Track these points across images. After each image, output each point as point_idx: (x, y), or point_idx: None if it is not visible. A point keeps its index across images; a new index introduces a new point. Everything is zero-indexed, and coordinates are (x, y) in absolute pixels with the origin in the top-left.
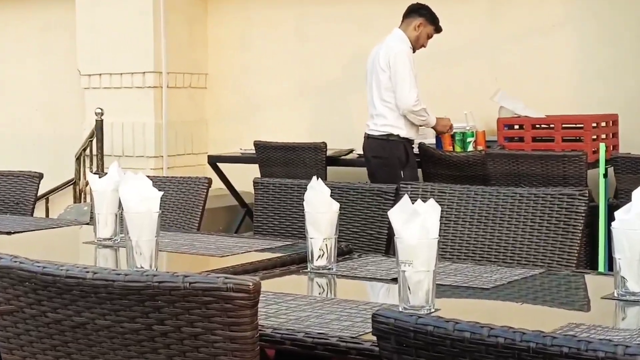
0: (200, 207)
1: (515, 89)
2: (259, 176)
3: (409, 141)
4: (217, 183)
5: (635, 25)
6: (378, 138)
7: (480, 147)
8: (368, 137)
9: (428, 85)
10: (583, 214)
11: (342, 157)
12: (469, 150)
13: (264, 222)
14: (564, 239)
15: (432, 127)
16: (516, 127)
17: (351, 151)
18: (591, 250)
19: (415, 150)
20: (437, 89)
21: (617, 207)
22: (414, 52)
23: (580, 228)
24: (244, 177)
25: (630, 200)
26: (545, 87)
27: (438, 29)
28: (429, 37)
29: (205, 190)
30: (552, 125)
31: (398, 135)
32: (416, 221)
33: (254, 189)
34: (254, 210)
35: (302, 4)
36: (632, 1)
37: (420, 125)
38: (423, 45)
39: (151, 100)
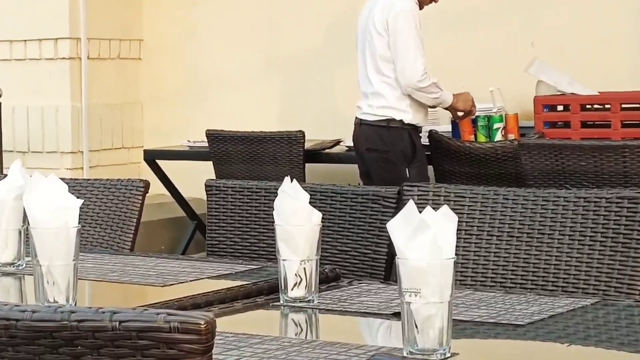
0: (135, 220)
1: (558, 57)
2: (213, 177)
3: (416, 129)
4: (156, 187)
5: None
6: (375, 125)
7: (511, 136)
8: (361, 124)
9: (439, 54)
10: None
11: (326, 151)
12: (496, 139)
13: (221, 239)
14: (624, 258)
15: (447, 108)
16: (560, 108)
17: (338, 142)
18: None
19: (425, 140)
20: (451, 58)
21: None
22: (420, 8)
23: None
24: (193, 178)
25: None
26: (598, 55)
27: None
28: None
29: (141, 197)
30: (607, 106)
31: (401, 121)
32: (425, 236)
33: (207, 194)
34: (206, 223)
35: None
36: None
37: (432, 106)
38: (434, 0)
39: (66, 76)
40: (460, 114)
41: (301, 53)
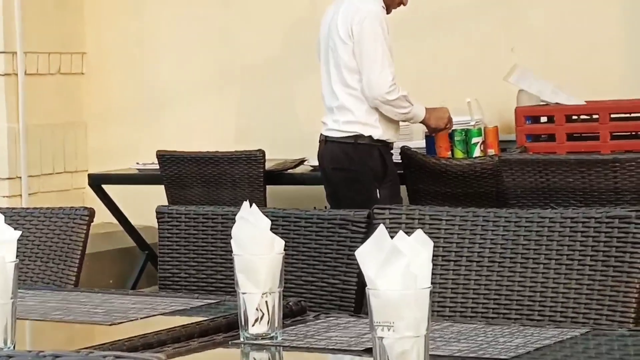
0: (79, 252)
1: (541, 64)
2: (165, 203)
3: (387, 145)
4: (103, 215)
5: None
6: (341, 142)
7: (491, 151)
8: (326, 141)
9: (410, 63)
10: None
11: (288, 171)
12: (474, 155)
13: (174, 272)
14: (616, 283)
15: (421, 123)
16: (543, 119)
17: (302, 162)
18: None
19: (397, 157)
20: (424, 67)
21: None
22: (388, 12)
23: None
24: (144, 204)
25: None
26: (585, 61)
27: None
28: None
29: (86, 227)
30: (595, 116)
31: (370, 137)
32: (398, 264)
33: (158, 222)
34: (158, 253)
35: None
36: None
37: (402, 121)
38: (402, 2)
39: (1, 94)
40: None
41: (259, 64)
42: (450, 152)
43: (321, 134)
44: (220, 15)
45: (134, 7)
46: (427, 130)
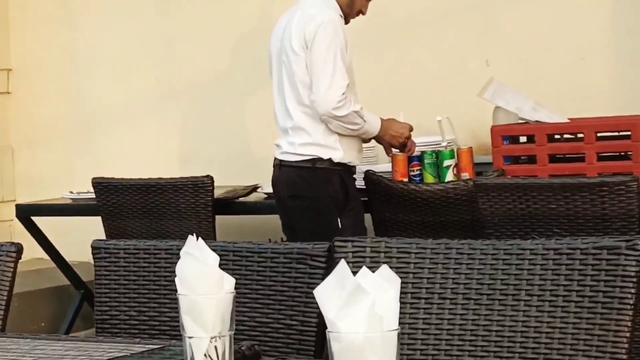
0: (6, 293)
1: (519, 78)
2: (102, 237)
3: (349, 169)
4: (32, 250)
5: None
6: (298, 166)
7: (465, 175)
8: (281, 166)
9: (376, 77)
10: (634, 279)
11: (240, 200)
12: (447, 180)
13: (113, 313)
14: (605, 320)
15: (376, 140)
16: (522, 139)
17: (255, 189)
18: None
19: (360, 183)
20: (391, 82)
21: None
22: (346, 22)
23: (631, 301)
24: (79, 238)
25: None
26: (567, 75)
27: None
28: None
29: (13, 264)
30: (580, 135)
31: (330, 160)
32: (362, 304)
33: (94, 257)
34: (95, 293)
35: None
36: None
37: (358, 136)
38: (361, 11)
39: None
40: (395, 150)
41: (205, 79)
42: (407, 178)
43: (275, 158)
44: (160, 25)
45: (64, 18)
46: (384, 149)
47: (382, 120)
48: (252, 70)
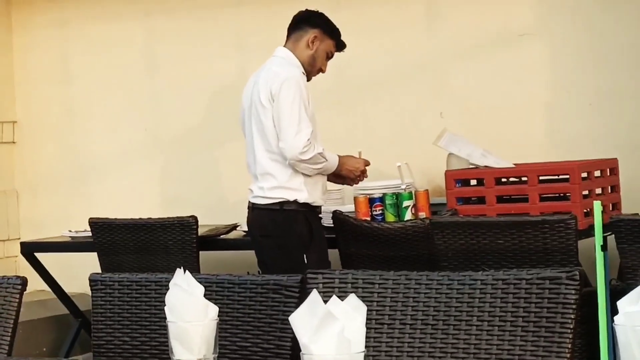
0: (12, 321)
1: (469, 128)
2: (98, 270)
3: (314, 209)
4: (36, 283)
5: (637, 36)
6: (268, 208)
7: (422, 214)
8: (253, 208)
9: (340, 127)
10: (574, 305)
11: (221, 237)
12: (406, 219)
13: (108, 339)
14: (548, 343)
15: (333, 176)
16: (473, 182)
17: (234, 227)
18: (589, 355)
19: (328, 221)
20: (354, 132)
21: (623, 292)
22: (308, 79)
23: (571, 326)
24: (77, 272)
25: (639, 283)
26: (512, 124)
27: (340, 45)
28: (329, 56)
29: (18, 296)
30: (524, 179)
31: (296, 202)
32: (332, 329)
33: (92, 289)
34: (92, 321)
35: (149, 15)
36: (634, 3)
37: (323, 183)
38: (321, 70)
39: None
40: (354, 184)
41: (188, 130)
42: (369, 217)
43: (249, 201)
44: (148, 83)
45: (63, 76)
46: (340, 183)
47: (339, 156)
48: (229, 122)
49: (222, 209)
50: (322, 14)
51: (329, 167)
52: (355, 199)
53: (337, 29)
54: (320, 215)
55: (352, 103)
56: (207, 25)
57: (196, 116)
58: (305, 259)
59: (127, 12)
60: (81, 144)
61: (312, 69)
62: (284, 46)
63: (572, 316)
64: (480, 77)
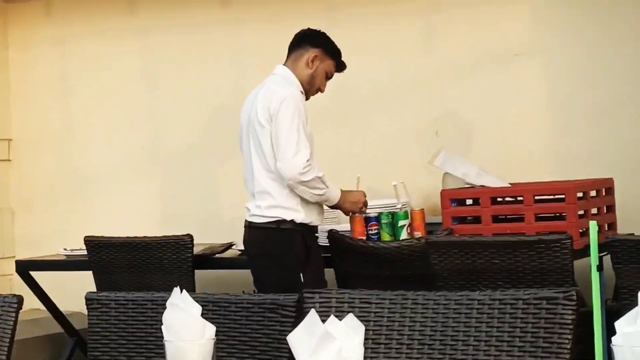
0: (8, 340)
1: (465, 147)
2: (94, 289)
3: (310, 229)
4: (31, 301)
5: (633, 54)
6: (264, 227)
7: (418, 234)
8: (249, 226)
9: (336, 146)
10: (570, 325)
11: (217, 256)
12: (402, 238)
13: (104, 358)
14: None
15: (335, 207)
16: (469, 202)
17: (230, 246)
18: None
19: (324, 240)
20: (349, 150)
21: (619, 312)
22: (307, 98)
23: (568, 346)
24: (72, 291)
25: (637, 304)
26: (508, 144)
27: (340, 66)
28: (328, 76)
29: (14, 314)
30: (520, 198)
31: (292, 221)
32: (330, 349)
33: (87, 308)
34: (88, 340)
35: (147, 32)
36: (629, 22)
37: (319, 202)
38: (320, 89)
39: None
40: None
41: (185, 148)
42: (365, 237)
43: (245, 220)
44: (146, 99)
45: (61, 93)
46: (344, 213)
47: (341, 190)
48: (227, 140)
49: (218, 226)
50: (323, 34)
51: (331, 197)
52: (351, 218)
53: (338, 50)
54: (316, 234)
55: (348, 121)
56: (205, 43)
57: (193, 133)
58: (302, 278)
59: (125, 29)
60: (77, 162)
61: (310, 88)
62: (284, 64)
63: (569, 336)
64: (477, 96)
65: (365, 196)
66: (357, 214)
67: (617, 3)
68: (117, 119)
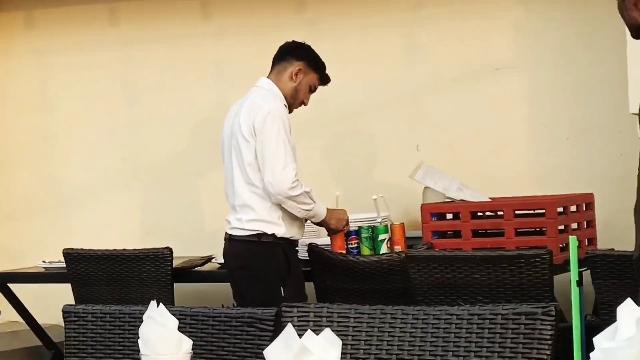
0: None
1: (446, 161)
2: (72, 302)
3: (291, 242)
4: (9, 314)
5: (614, 71)
6: (245, 240)
7: (398, 248)
8: (230, 239)
9: (316, 160)
10: (549, 341)
11: (196, 269)
12: (381, 252)
13: None
14: None
15: (320, 224)
16: (449, 216)
17: (209, 259)
18: None
19: (304, 254)
20: (329, 165)
21: (599, 328)
22: (290, 111)
23: None
24: (50, 303)
25: (615, 319)
26: (489, 159)
27: (324, 79)
28: (312, 90)
29: None
30: (500, 213)
31: (274, 235)
32: None
33: (65, 321)
34: (65, 353)
35: (128, 44)
36: (609, 38)
37: (305, 218)
38: (303, 102)
39: None
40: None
41: (166, 161)
42: (345, 251)
43: (226, 232)
44: (126, 112)
45: (41, 105)
46: (327, 231)
47: (326, 207)
48: (207, 153)
49: (199, 239)
50: (308, 46)
51: (318, 213)
52: (334, 237)
53: (323, 63)
54: (297, 248)
55: (328, 134)
56: (187, 55)
57: (174, 146)
58: (283, 292)
59: (107, 42)
60: (57, 174)
61: (294, 102)
62: (268, 77)
63: (548, 352)
64: (458, 110)
65: (346, 214)
66: (339, 233)
67: (598, 19)
68: (98, 131)
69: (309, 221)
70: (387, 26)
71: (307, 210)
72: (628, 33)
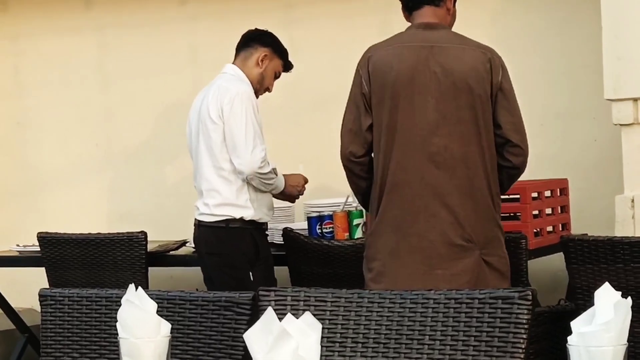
0: None
1: None
2: (46, 286)
3: (259, 226)
4: None
5: (588, 57)
6: (213, 226)
7: None
8: (199, 225)
9: (288, 143)
10: (526, 325)
11: (171, 253)
12: (357, 237)
13: (57, 355)
14: None
15: (280, 195)
16: None
17: (183, 243)
18: None
19: (279, 238)
20: (302, 147)
21: (573, 312)
22: (256, 97)
23: (523, 345)
24: (24, 287)
25: (592, 303)
26: None
27: (287, 66)
28: (277, 76)
29: None
30: None
31: (242, 219)
32: (287, 347)
33: (41, 304)
34: (40, 337)
35: (101, 29)
36: (586, 28)
37: (267, 192)
38: (268, 89)
39: None
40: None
41: (138, 145)
42: (348, 234)
43: (195, 218)
44: (100, 98)
45: (14, 89)
46: (284, 199)
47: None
48: (182, 138)
49: (172, 224)
50: (272, 34)
51: (279, 185)
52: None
53: (286, 50)
54: (267, 233)
55: (302, 119)
56: (161, 40)
57: (148, 131)
58: (251, 277)
59: (80, 26)
60: (32, 158)
61: (260, 87)
62: (233, 63)
63: (524, 336)
64: None
65: (304, 179)
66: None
67: (575, 11)
68: (71, 116)
69: (279, 205)
70: (363, 12)
71: (270, 184)
72: (603, 18)
